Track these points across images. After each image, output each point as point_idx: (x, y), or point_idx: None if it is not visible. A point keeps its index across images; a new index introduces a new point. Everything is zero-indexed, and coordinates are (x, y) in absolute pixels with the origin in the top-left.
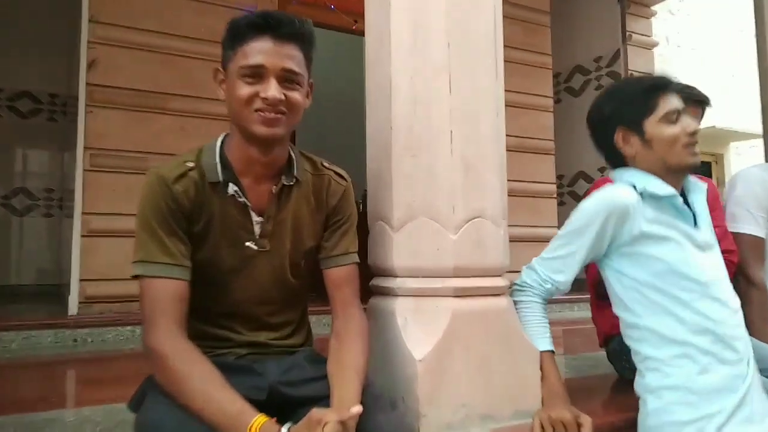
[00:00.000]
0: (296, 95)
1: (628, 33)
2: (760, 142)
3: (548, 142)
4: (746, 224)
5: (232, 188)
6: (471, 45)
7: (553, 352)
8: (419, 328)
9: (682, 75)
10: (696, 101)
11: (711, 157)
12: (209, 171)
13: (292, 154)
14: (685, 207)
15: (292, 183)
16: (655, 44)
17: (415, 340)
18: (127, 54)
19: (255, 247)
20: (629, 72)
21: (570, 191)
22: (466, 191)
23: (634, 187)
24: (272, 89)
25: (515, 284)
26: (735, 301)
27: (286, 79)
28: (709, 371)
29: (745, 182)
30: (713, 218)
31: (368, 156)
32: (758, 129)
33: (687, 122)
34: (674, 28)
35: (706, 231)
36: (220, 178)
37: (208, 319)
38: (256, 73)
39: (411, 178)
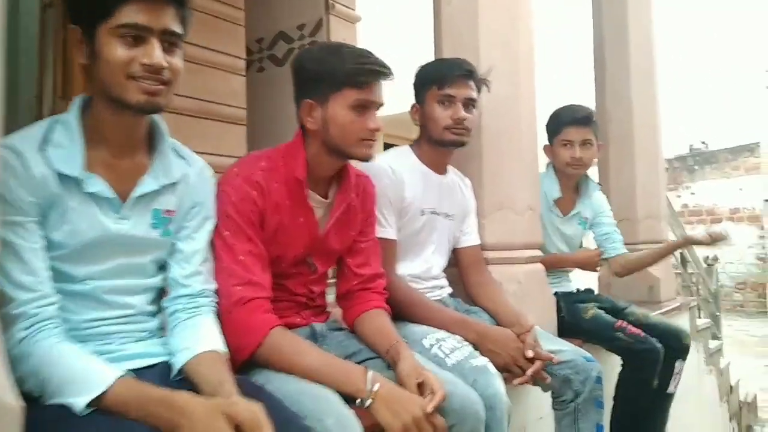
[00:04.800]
0: None
1: (330, 2)
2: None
3: (238, 110)
4: (380, 228)
5: None
6: None
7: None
8: None
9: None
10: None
11: (405, 142)
12: None
13: None
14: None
15: None
16: (358, 18)
17: None
18: None
19: None
20: None
21: None
22: None
23: None
24: None
25: None
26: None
27: None
28: None
29: (375, 180)
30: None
31: None
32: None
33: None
34: (378, 6)
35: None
36: None
37: None
38: None
39: None
